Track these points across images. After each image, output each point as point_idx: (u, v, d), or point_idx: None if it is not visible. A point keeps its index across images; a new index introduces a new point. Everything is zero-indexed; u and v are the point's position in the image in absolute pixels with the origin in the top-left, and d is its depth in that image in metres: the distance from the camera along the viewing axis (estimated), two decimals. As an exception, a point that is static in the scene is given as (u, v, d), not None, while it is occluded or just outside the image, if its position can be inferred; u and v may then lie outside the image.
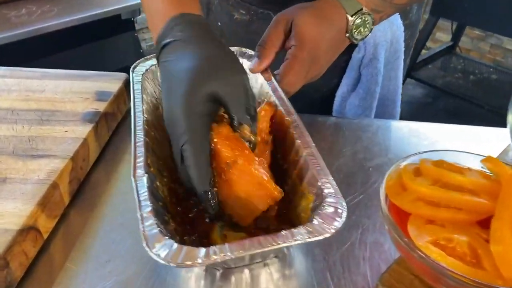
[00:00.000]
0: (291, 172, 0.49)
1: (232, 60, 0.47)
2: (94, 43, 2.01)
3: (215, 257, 0.35)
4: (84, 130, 0.58)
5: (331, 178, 0.42)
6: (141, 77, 0.57)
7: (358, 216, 0.53)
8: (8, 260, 0.42)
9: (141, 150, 0.45)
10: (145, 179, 0.42)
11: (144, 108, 0.51)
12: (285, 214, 0.48)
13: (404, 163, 0.43)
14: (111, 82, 0.68)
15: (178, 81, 0.45)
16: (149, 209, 0.39)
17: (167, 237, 0.37)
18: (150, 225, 0.38)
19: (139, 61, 0.60)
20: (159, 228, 0.37)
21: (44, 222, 0.48)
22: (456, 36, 2.70)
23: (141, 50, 2.23)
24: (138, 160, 0.44)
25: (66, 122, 0.60)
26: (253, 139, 0.46)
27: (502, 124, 0.73)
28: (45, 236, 0.49)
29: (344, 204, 0.39)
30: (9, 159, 0.53)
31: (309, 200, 0.43)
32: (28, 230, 0.45)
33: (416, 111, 2.56)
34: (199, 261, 0.35)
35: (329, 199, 0.40)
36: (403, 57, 0.82)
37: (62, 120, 0.60)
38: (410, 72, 2.41)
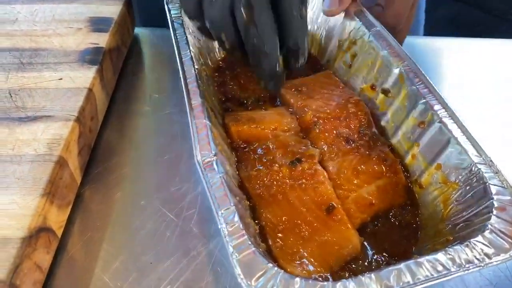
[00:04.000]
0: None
1: None
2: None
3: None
4: (85, 75, 0.42)
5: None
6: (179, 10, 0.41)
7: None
8: (17, 285, 0.29)
9: (202, 123, 0.30)
10: (215, 164, 0.28)
11: (192, 54, 0.36)
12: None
13: None
14: (107, 4, 0.50)
15: None
16: (233, 217, 0.25)
17: (266, 261, 0.24)
18: (241, 243, 0.24)
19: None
20: (253, 248, 0.24)
21: (55, 217, 0.34)
22: None
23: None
24: (200, 135, 0.29)
25: (57, 65, 0.43)
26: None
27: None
28: (59, 233, 0.35)
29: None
30: (-12, 126, 0.37)
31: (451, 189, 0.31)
32: (37, 234, 0.31)
33: (415, 21, 2.38)
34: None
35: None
36: None
37: (51, 63, 0.43)
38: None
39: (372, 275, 0.24)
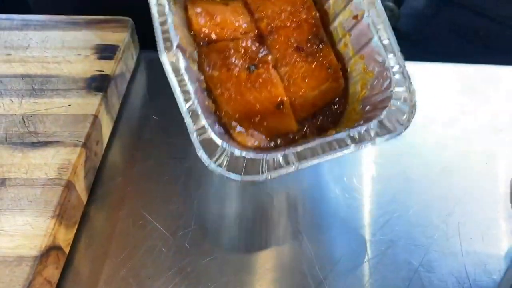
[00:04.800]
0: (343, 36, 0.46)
1: None
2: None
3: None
4: (92, 102, 0.46)
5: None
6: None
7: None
8: (30, 299, 0.33)
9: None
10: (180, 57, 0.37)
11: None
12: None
13: None
14: (114, 31, 0.54)
15: None
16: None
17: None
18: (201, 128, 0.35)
19: None
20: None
21: (63, 236, 0.38)
22: None
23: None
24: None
25: (66, 91, 0.47)
26: None
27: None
28: (67, 250, 0.39)
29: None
30: (3, 151, 0.41)
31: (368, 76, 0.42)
32: (47, 252, 0.35)
33: (418, 24, 2.40)
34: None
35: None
36: None
37: (60, 89, 0.47)
38: (413, -19, 2.21)
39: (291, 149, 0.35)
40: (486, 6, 2.16)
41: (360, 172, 0.48)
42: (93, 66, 0.50)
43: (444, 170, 0.47)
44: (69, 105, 0.45)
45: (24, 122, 0.44)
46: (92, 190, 0.44)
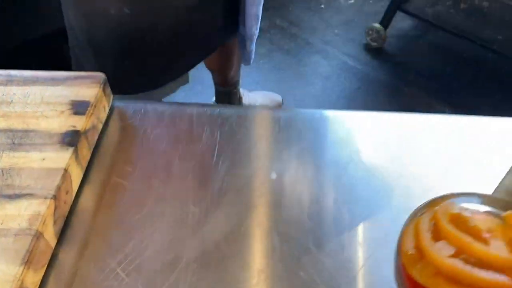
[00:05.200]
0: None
1: None
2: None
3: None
4: (64, 156, 0.52)
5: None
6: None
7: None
8: (-2, 336, 0.39)
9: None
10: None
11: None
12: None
13: (417, 216, 0.40)
14: (87, 87, 0.61)
15: None
16: None
17: None
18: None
19: None
20: None
21: (31, 278, 0.45)
22: (449, -39, 2.53)
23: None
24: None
25: (42, 146, 0.54)
26: None
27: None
28: (35, 290, 0.46)
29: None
30: (-16, 202, 0.48)
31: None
32: (15, 295, 0.42)
33: (404, 45, 2.47)
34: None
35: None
36: None
37: (37, 144, 0.54)
38: (399, 5, 2.28)
39: None
40: (466, 30, 2.25)
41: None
42: (68, 122, 0.56)
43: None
44: (44, 159, 0.52)
45: (3, 175, 0.51)
46: (61, 233, 0.51)
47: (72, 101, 0.59)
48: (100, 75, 0.62)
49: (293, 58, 2.39)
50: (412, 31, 2.55)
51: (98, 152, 0.60)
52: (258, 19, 1.06)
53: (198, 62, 1.11)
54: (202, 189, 0.55)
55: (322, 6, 2.75)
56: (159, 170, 0.58)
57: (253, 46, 1.16)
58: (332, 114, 0.66)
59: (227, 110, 0.65)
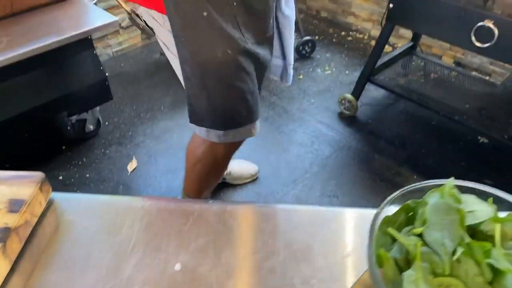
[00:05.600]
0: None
1: None
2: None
3: None
4: (-8, 251, 0.61)
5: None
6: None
7: None
8: None
9: None
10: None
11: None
12: None
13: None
14: (25, 185, 0.71)
15: None
16: None
17: None
18: None
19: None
20: None
21: None
22: (417, 35, 2.73)
23: (101, 67, 2.21)
24: None
25: (-24, 242, 0.63)
26: None
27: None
28: None
29: None
30: None
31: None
32: None
33: (376, 114, 2.61)
34: None
35: None
36: None
37: (-28, 239, 0.63)
38: (369, 77, 2.44)
39: None
40: (435, 99, 2.39)
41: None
42: (2, 219, 0.66)
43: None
44: (-25, 254, 0.61)
45: None
46: (-16, 322, 0.59)
47: (10, 199, 0.69)
48: (39, 174, 0.72)
49: (271, 126, 2.52)
50: (384, 100, 2.70)
51: (30, 243, 0.69)
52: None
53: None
54: (113, 279, 0.63)
55: (301, 76, 2.92)
56: (79, 260, 0.66)
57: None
58: (241, 207, 0.75)
59: (150, 203, 0.74)
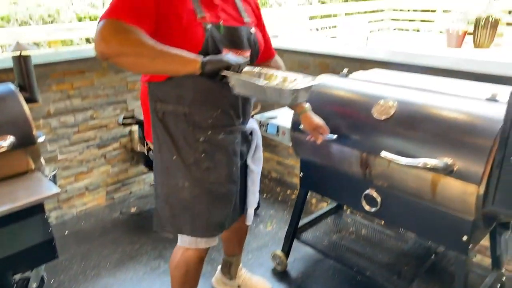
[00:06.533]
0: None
1: None
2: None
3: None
4: None
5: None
6: None
7: None
8: None
9: None
10: None
11: None
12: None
13: None
14: None
15: None
16: None
17: None
18: None
19: None
20: None
21: None
22: (343, 196, 3.06)
23: (50, 229, 2.46)
24: None
25: None
26: None
27: None
28: None
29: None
30: None
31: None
32: None
33: (306, 269, 2.78)
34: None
35: None
36: None
37: None
38: (294, 234, 2.69)
39: None
40: (366, 253, 2.61)
41: None
42: None
43: None
44: None
45: None
46: None
47: None
48: None
49: (206, 281, 2.67)
50: (315, 255, 2.90)
51: None
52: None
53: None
54: None
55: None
56: None
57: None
58: None
59: None
